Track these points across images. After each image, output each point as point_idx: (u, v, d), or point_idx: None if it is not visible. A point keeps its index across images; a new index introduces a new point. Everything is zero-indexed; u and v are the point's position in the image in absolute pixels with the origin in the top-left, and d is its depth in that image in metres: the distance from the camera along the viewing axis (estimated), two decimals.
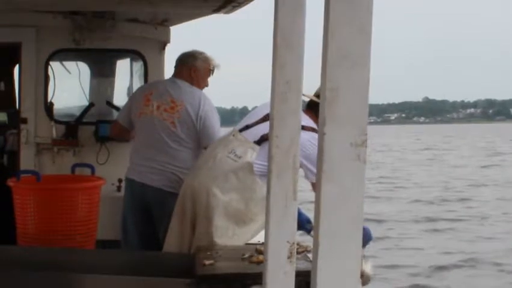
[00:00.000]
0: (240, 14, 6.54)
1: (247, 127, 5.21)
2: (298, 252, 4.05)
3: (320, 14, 2.18)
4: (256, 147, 5.05)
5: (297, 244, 4.12)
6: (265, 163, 4.86)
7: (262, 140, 5.02)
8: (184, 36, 5.67)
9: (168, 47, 7.54)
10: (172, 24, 7.49)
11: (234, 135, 5.18)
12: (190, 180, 5.17)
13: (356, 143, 2.12)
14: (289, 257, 2.86)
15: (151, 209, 5.99)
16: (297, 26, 2.86)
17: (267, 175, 4.84)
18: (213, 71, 6.32)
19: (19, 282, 4.23)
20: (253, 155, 5.01)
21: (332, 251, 2.13)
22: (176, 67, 6.33)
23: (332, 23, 2.11)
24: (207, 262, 4.21)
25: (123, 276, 4.34)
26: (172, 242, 5.13)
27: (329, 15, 2.11)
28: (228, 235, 4.92)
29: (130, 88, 7.81)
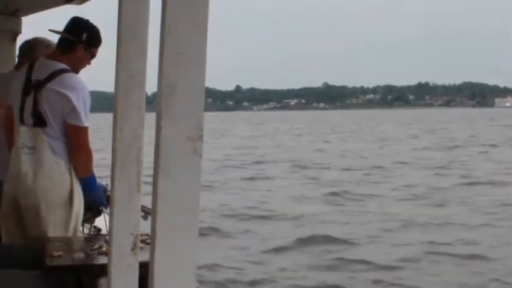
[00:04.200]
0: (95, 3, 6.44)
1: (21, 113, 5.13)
2: (147, 244, 4.08)
3: None
4: (39, 129, 4.99)
5: (147, 235, 4.15)
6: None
7: (39, 123, 4.99)
8: (45, 27, 5.49)
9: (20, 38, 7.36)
10: (23, 15, 7.30)
11: (18, 130, 5.11)
12: (6, 187, 5.17)
13: (192, 138, 2.17)
14: (132, 249, 2.89)
15: None
16: (141, 18, 2.87)
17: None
18: None
19: None
20: (43, 139, 4.97)
21: (169, 243, 2.17)
22: (18, 57, 5.98)
23: (168, 19, 2.13)
24: (56, 253, 4.18)
25: None
26: None
27: (166, 10, 2.14)
28: (58, 224, 4.94)
29: None
